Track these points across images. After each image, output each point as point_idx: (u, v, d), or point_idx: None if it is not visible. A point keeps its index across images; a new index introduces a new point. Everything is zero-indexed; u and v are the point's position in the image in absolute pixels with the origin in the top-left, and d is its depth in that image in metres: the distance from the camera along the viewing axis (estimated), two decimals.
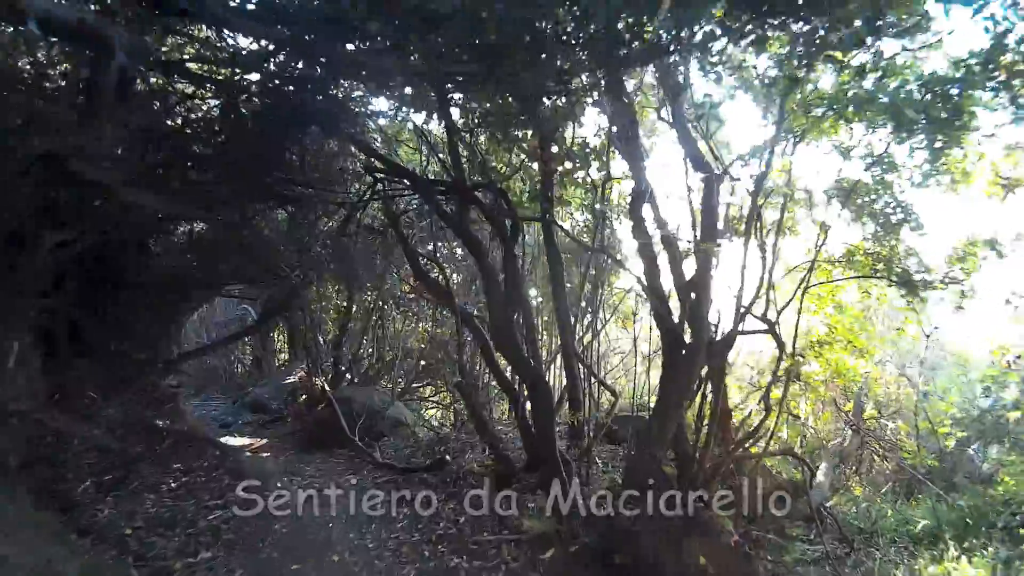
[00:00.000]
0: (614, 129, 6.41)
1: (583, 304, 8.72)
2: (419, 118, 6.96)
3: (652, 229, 5.98)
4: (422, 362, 10.52)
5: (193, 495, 5.52)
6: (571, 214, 8.58)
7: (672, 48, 4.89)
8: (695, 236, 5.87)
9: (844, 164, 6.89)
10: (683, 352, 5.47)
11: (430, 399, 10.98)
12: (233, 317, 13.40)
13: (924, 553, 6.35)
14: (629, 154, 5.83)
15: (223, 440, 8.99)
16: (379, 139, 7.45)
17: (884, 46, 6.05)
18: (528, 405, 6.15)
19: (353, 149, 6.75)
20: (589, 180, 6.96)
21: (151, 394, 8.70)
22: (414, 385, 10.71)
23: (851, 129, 6.34)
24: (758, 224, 5.96)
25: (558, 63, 4.89)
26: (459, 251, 9.36)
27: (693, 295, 5.60)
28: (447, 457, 6.22)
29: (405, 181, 6.95)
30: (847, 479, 9.19)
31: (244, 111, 5.43)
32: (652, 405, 6.10)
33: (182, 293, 7.47)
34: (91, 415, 6.95)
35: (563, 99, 6.51)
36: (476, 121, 6.54)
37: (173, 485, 5.65)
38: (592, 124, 7.08)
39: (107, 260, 6.78)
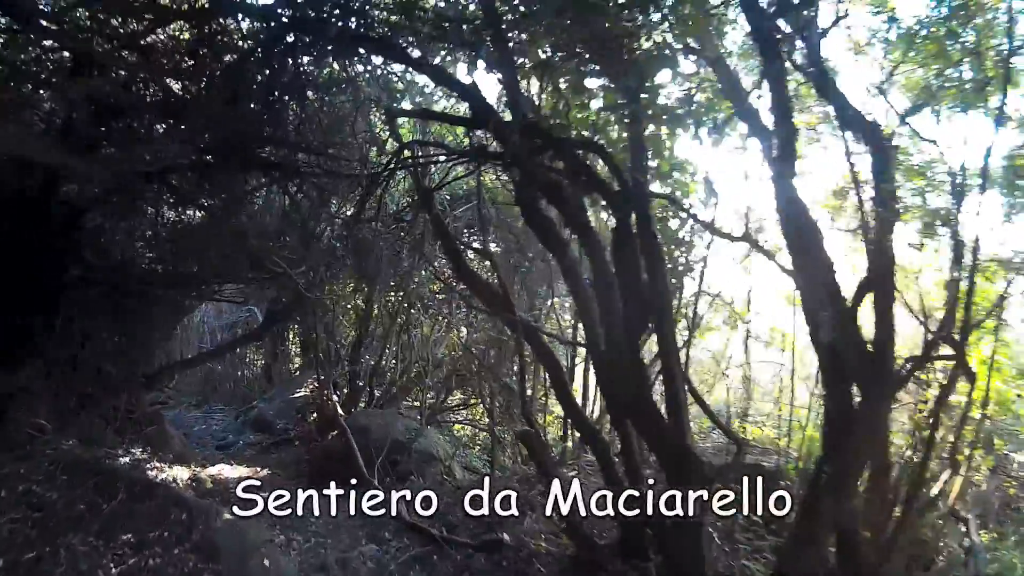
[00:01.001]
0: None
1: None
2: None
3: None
4: (455, 375, 8.85)
5: None
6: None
7: None
8: (864, 222, 4.09)
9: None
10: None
11: (470, 422, 9.22)
12: (238, 319, 11.92)
13: None
14: (774, 98, 3.98)
15: (218, 467, 7.45)
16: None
17: None
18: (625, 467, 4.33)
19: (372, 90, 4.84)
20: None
21: (128, 415, 7.19)
22: (449, 401, 9.00)
23: None
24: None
25: None
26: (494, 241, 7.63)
27: (872, 301, 3.78)
28: (504, 535, 4.44)
29: (438, 148, 5.19)
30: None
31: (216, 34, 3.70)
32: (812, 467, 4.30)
33: (151, 294, 5.80)
34: (31, 453, 5.37)
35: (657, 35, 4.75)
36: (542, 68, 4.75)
37: (115, 572, 3.95)
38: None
39: (45, 249, 5.16)
